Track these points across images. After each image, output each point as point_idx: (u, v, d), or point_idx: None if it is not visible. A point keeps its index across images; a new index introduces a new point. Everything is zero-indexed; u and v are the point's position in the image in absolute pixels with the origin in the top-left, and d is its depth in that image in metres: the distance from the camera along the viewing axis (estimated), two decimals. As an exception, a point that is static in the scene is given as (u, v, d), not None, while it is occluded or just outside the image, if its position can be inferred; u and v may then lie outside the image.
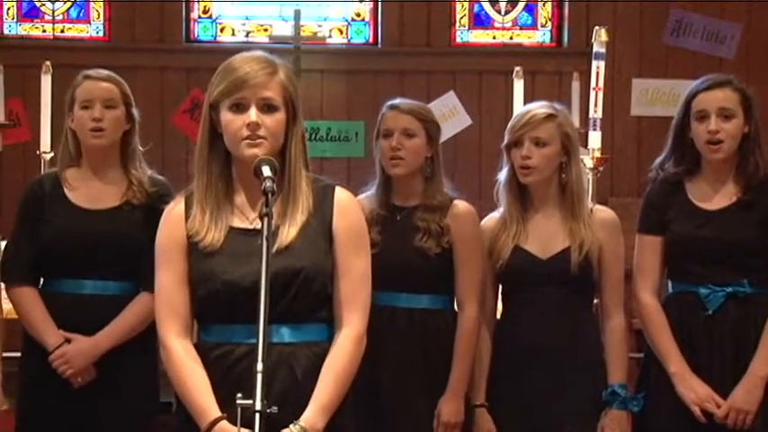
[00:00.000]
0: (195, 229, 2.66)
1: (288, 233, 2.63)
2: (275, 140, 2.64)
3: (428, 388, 3.50)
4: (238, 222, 2.68)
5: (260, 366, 2.29)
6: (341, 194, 2.73)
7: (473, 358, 3.49)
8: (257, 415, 2.26)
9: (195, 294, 2.67)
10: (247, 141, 2.60)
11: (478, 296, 3.51)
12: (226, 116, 2.63)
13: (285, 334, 2.62)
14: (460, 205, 3.56)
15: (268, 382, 2.34)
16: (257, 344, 2.31)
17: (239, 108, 2.62)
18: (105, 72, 3.59)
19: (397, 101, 3.64)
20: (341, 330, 2.67)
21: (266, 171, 2.51)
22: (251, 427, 2.27)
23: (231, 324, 2.62)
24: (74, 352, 3.41)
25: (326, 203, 2.70)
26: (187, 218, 2.69)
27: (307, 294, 2.62)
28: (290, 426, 2.52)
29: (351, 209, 2.74)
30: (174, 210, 2.73)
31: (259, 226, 2.47)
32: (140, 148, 3.62)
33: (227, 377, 2.60)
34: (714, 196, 3.45)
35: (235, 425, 2.39)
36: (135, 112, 3.59)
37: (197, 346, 2.68)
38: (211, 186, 2.68)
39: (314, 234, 2.66)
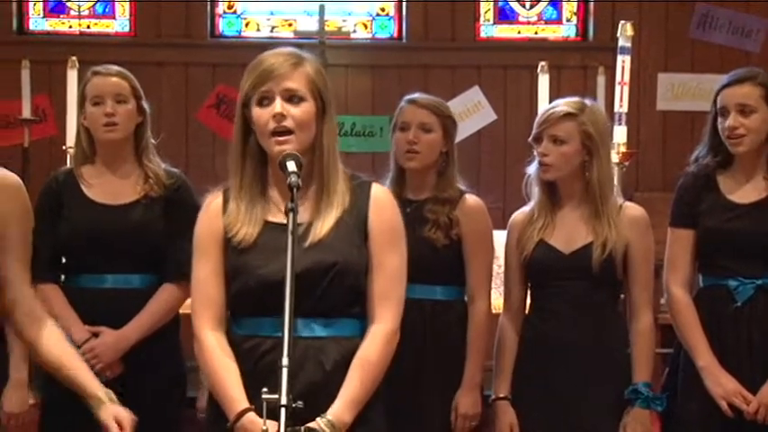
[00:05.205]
0: (230, 224, 2.67)
1: (321, 228, 2.63)
2: (304, 133, 2.63)
3: (439, 379, 3.51)
4: (272, 217, 2.68)
5: (285, 361, 2.29)
6: (377, 191, 2.73)
7: (486, 350, 3.50)
8: (282, 409, 2.26)
9: (229, 289, 2.68)
10: (276, 138, 2.60)
11: (489, 289, 3.53)
12: (255, 111, 2.63)
13: (316, 328, 2.62)
14: (470, 199, 3.59)
15: (294, 375, 2.35)
16: (282, 337, 2.31)
17: (266, 101, 2.62)
18: (114, 67, 3.62)
19: (416, 95, 3.66)
20: (373, 326, 2.66)
21: (291, 166, 2.51)
22: (277, 419, 2.27)
23: (261, 317, 2.62)
24: (103, 346, 3.43)
25: (362, 199, 2.69)
26: (224, 211, 2.70)
27: (339, 289, 2.62)
28: (318, 419, 2.51)
29: (387, 205, 2.74)
30: (213, 203, 2.74)
31: (293, 221, 2.48)
32: (153, 141, 3.64)
33: (255, 369, 2.60)
34: (745, 190, 3.44)
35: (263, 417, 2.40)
36: (145, 105, 3.61)
37: (229, 339, 2.69)
38: (245, 186, 2.69)
39: (348, 229, 2.65)
